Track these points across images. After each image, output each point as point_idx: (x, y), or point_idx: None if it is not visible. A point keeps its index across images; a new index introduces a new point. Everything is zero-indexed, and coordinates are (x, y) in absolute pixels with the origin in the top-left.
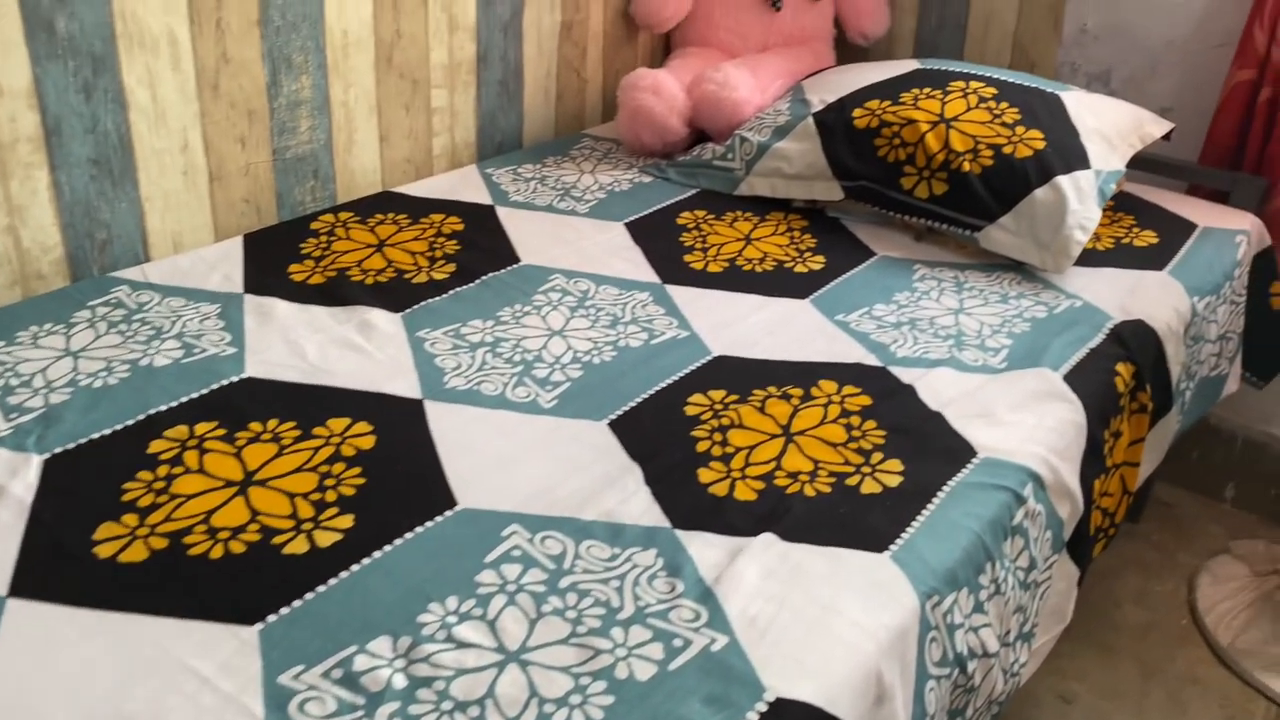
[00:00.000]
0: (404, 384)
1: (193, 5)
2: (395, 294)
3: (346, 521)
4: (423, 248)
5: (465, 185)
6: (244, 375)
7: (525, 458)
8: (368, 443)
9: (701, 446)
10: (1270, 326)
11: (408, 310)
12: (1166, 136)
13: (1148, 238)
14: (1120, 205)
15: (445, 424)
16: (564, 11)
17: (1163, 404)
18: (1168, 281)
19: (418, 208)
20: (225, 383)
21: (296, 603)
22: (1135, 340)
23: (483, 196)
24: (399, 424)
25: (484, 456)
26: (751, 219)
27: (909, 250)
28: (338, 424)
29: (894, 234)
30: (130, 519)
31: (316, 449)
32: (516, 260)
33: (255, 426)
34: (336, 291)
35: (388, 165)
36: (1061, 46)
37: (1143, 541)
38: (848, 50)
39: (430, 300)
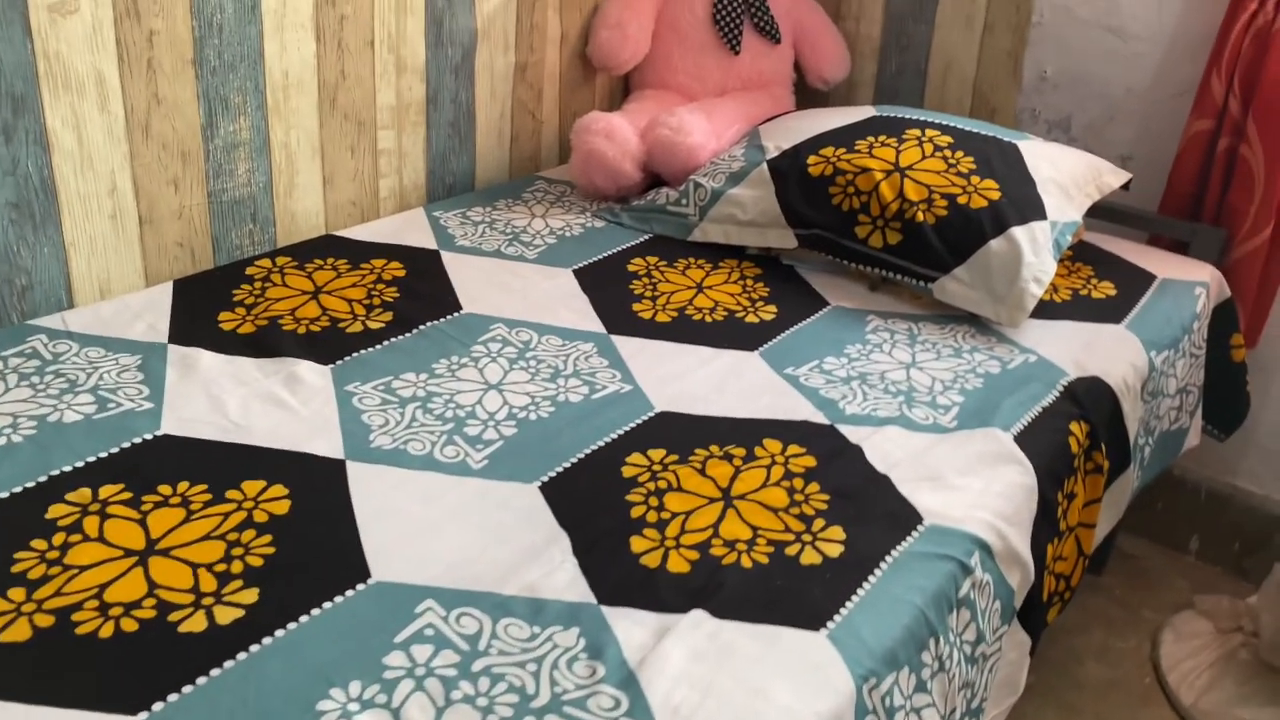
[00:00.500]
0: (326, 443)
1: (122, 45)
2: (327, 345)
3: (250, 596)
4: (360, 295)
5: (411, 229)
6: (159, 432)
7: (448, 525)
8: (282, 508)
9: (636, 512)
10: (1231, 379)
11: (338, 362)
12: (1125, 187)
13: (1106, 289)
14: (1079, 255)
15: (367, 487)
16: (518, 53)
17: (1119, 462)
18: (1125, 336)
19: (359, 252)
20: (138, 441)
21: (187, 688)
22: (1090, 398)
23: (428, 241)
24: (318, 487)
25: (405, 523)
26: (704, 266)
27: (863, 300)
28: (252, 487)
29: (849, 283)
30: (17, 593)
31: (227, 514)
32: (458, 308)
33: (164, 490)
34: (266, 342)
35: (331, 208)
36: (1021, 93)
37: (1106, 595)
38: (808, 94)
39: (363, 351)
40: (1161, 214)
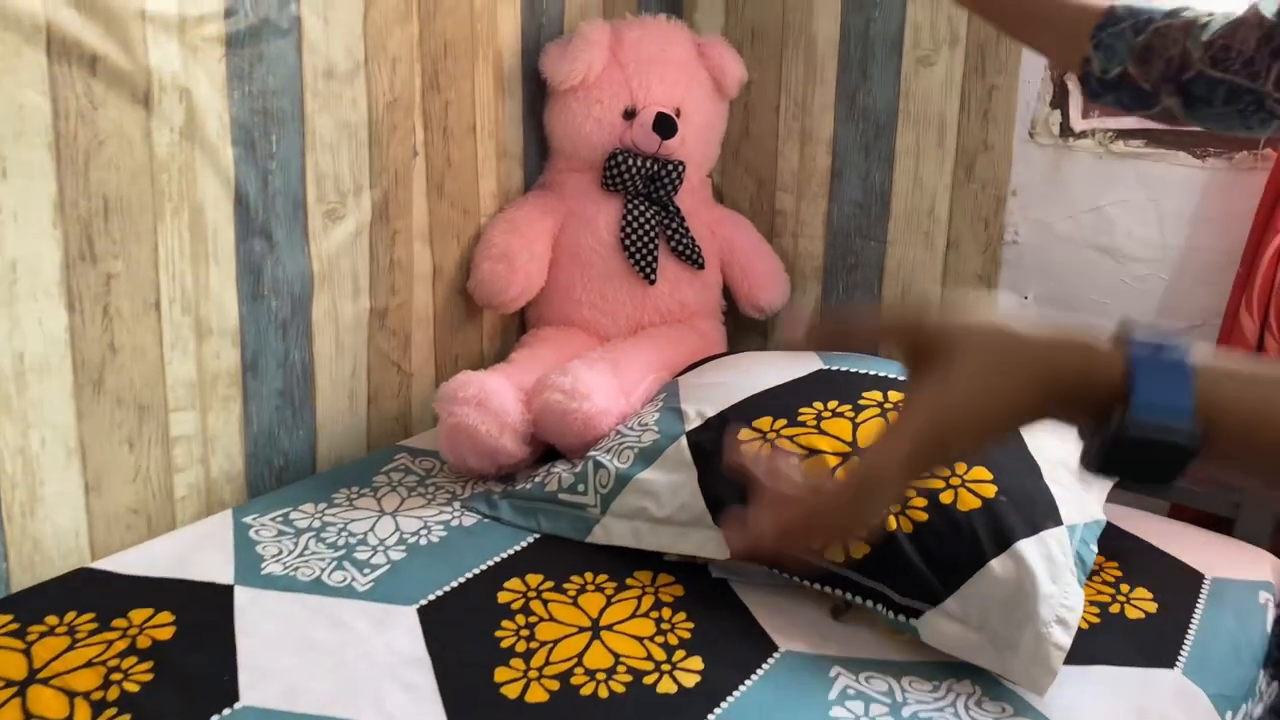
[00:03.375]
0: None
1: None
2: None
3: None
4: (92, 683)
5: (205, 549)
6: None
7: None
8: None
9: None
10: None
11: None
12: None
13: (1143, 601)
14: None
15: None
16: (375, 296)
17: None
18: (1187, 690)
19: (118, 598)
20: None
21: None
22: None
23: (223, 569)
24: None
25: None
26: (606, 587)
27: (824, 638)
28: None
29: (802, 607)
30: None
31: None
32: (231, 699)
33: None
34: None
35: (100, 523)
36: None
37: None
38: (742, 323)
39: None
40: (1190, 480)
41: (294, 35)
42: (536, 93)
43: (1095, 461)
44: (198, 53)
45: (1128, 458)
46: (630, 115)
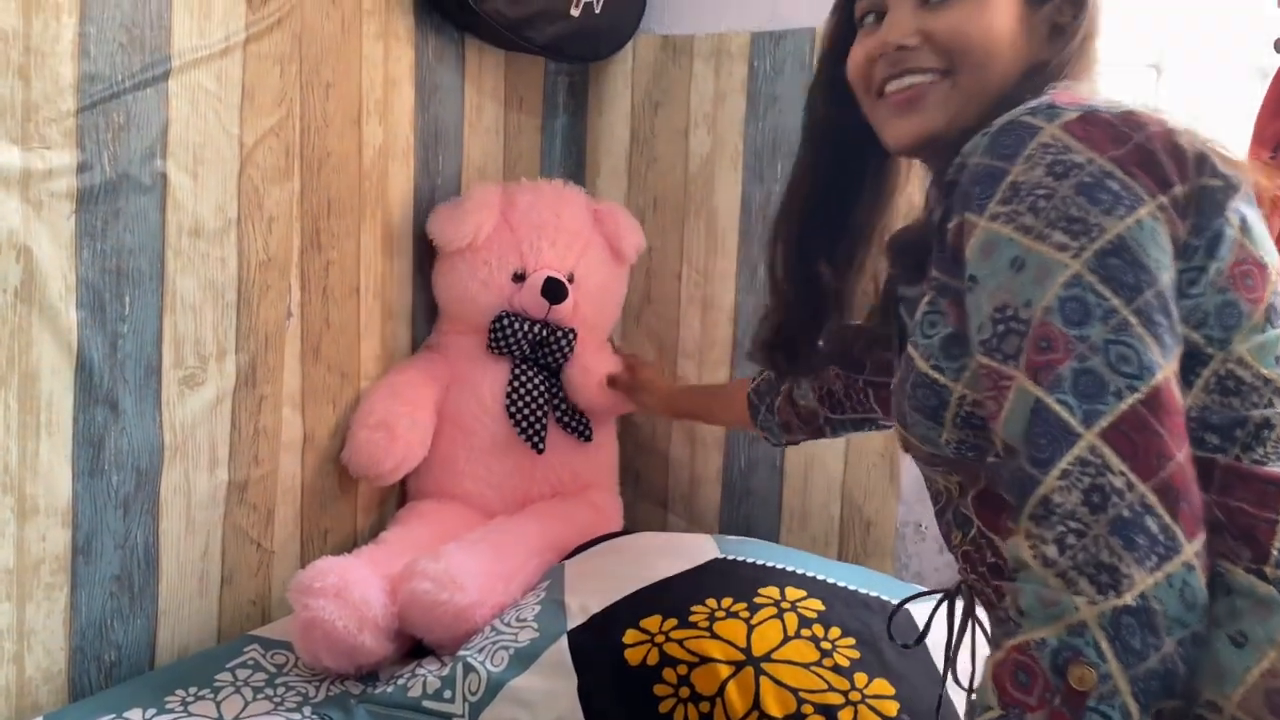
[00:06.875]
0: None
1: None
2: None
3: None
4: None
5: None
6: None
7: None
8: None
9: None
10: None
11: None
12: None
13: None
14: None
15: None
16: (235, 468)
17: None
18: None
19: None
20: None
21: None
22: None
23: None
24: None
25: None
26: None
27: None
28: None
29: None
30: None
31: None
32: None
33: None
34: None
35: None
36: (903, 502)
37: None
38: (641, 492)
39: None
40: None
41: (157, 192)
42: (426, 252)
43: None
44: (42, 209)
45: None
46: (520, 278)
